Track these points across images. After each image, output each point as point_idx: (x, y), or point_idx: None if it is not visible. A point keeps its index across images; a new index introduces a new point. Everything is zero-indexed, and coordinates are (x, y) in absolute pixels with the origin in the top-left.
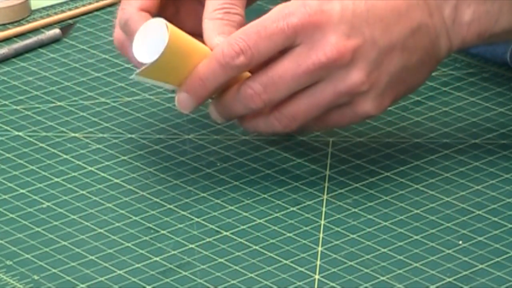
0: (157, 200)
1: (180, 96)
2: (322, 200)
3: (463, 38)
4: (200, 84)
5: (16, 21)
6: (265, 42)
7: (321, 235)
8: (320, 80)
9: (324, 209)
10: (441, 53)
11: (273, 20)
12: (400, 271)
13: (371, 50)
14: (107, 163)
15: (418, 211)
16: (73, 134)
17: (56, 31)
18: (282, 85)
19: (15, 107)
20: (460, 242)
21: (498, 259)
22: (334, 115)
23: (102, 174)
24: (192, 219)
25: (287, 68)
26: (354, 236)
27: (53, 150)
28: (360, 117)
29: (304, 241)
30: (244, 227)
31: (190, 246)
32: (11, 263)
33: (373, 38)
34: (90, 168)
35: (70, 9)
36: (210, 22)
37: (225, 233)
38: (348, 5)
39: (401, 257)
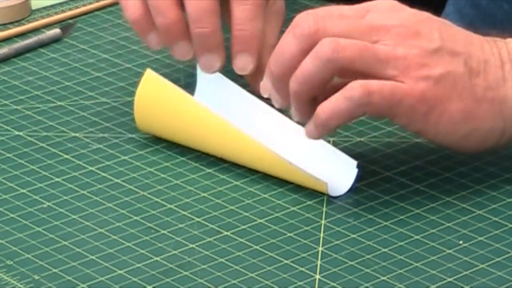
0: (158, 200)
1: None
2: (323, 199)
3: None
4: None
5: (16, 21)
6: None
7: (321, 235)
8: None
9: (324, 208)
10: (508, 104)
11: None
12: (401, 271)
13: (434, 40)
14: (107, 163)
15: (418, 211)
16: (73, 134)
17: (56, 31)
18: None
19: (15, 107)
20: (461, 242)
21: (499, 259)
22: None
23: (103, 174)
24: (193, 219)
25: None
26: (354, 235)
27: (53, 150)
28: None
29: (304, 241)
30: (244, 227)
31: (191, 246)
32: (11, 263)
33: (440, 34)
34: (90, 168)
35: (70, 9)
36: None
37: (225, 233)
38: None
39: (401, 257)
